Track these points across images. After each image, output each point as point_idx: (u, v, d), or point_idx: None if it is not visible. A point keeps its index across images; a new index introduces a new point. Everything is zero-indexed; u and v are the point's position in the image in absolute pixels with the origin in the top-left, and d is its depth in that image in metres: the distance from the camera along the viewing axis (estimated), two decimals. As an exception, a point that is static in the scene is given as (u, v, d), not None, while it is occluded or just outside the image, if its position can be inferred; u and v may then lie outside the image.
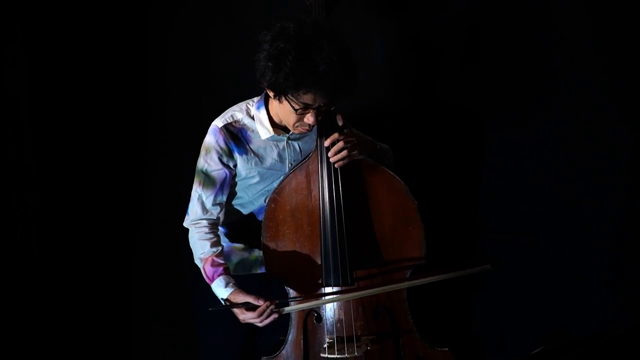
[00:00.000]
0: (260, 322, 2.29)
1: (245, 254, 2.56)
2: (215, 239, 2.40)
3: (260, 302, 2.26)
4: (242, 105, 2.44)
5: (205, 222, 2.41)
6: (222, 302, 2.33)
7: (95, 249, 3.16)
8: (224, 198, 2.44)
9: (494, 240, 2.91)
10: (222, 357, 2.58)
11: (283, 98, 2.22)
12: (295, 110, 2.22)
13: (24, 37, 2.91)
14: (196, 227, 2.42)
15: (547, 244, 2.80)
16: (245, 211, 2.52)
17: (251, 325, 2.37)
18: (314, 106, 2.20)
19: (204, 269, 2.37)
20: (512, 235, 2.86)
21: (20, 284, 2.97)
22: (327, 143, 2.33)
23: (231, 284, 2.33)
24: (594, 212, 2.72)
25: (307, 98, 2.18)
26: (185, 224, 2.46)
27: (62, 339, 3.10)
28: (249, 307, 2.28)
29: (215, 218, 2.43)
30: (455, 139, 2.94)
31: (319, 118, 2.27)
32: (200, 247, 2.39)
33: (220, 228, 2.55)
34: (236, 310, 2.31)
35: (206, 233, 2.40)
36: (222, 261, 2.37)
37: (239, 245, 2.56)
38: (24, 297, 2.98)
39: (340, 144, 2.31)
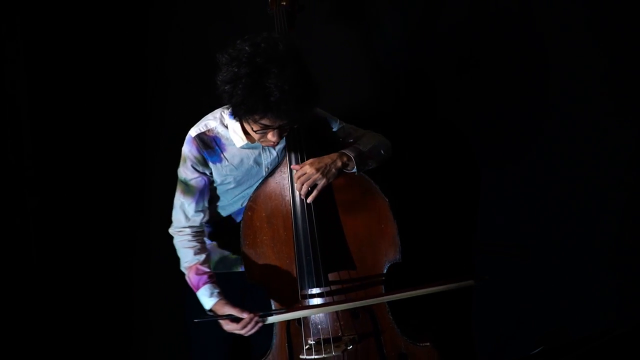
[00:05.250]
0: (245, 333, 2.31)
1: (226, 252, 2.56)
2: (198, 247, 2.41)
3: (244, 315, 2.29)
4: (216, 113, 2.43)
5: (188, 230, 2.42)
6: (207, 312, 2.35)
7: (94, 250, 3.16)
8: (206, 204, 2.44)
9: (492, 244, 2.91)
10: None
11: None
12: (255, 131, 2.22)
13: (23, 36, 2.91)
14: (180, 235, 2.43)
15: (547, 244, 2.80)
16: (224, 213, 2.52)
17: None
18: (273, 126, 2.19)
19: (189, 277, 2.39)
20: (510, 241, 2.88)
21: (19, 284, 2.97)
22: (295, 174, 2.35)
23: (216, 293, 2.34)
24: (594, 212, 2.72)
25: (265, 121, 2.17)
26: (170, 231, 2.46)
27: (62, 340, 3.11)
28: (233, 318, 2.30)
29: (198, 225, 2.43)
30: (451, 142, 2.94)
31: (284, 134, 2.28)
32: (184, 255, 2.41)
33: None
34: (221, 321, 2.33)
35: (189, 241, 2.41)
36: (206, 269, 2.39)
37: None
38: (23, 297, 2.98)
39: (306, 184, 2.32)
